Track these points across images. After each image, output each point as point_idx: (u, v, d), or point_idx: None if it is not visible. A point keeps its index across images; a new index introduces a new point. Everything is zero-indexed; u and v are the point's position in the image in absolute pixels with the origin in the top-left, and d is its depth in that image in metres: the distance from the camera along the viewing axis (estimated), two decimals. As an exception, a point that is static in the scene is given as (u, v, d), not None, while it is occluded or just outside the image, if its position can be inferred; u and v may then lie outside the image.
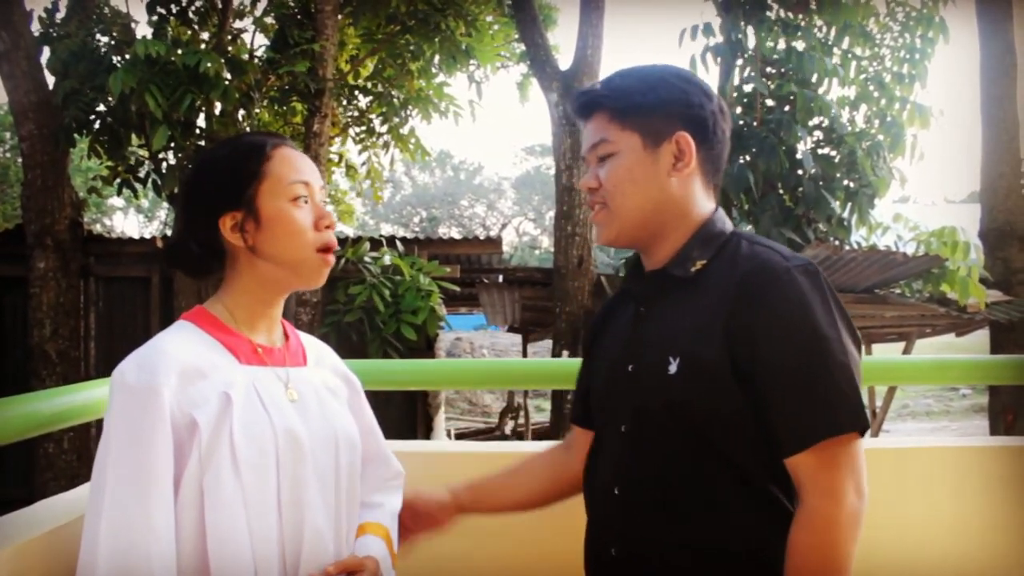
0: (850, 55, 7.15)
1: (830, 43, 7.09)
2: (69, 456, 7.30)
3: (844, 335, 1.23)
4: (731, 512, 1.26)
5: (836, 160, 7.16)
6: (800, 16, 6.91)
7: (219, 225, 1.30)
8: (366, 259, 7.18)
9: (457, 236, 23.48)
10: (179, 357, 1.21)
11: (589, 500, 1.44)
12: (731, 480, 1.26)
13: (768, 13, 6.93)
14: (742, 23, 6.85)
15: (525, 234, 39.00)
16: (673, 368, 1.27)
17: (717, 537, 1.26)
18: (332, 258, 1.34)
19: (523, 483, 1.65)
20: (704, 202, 1.38)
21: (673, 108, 1.35)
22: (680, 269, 1.34)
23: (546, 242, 35.07)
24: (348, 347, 6.88)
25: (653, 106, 1.35)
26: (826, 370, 1.20)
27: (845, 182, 7.12)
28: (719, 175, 1.42)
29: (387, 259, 7.13)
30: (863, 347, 1.31)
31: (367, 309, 6.86)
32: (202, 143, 7.37)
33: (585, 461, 1.47)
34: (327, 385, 1.40)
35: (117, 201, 23.76)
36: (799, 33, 6.83)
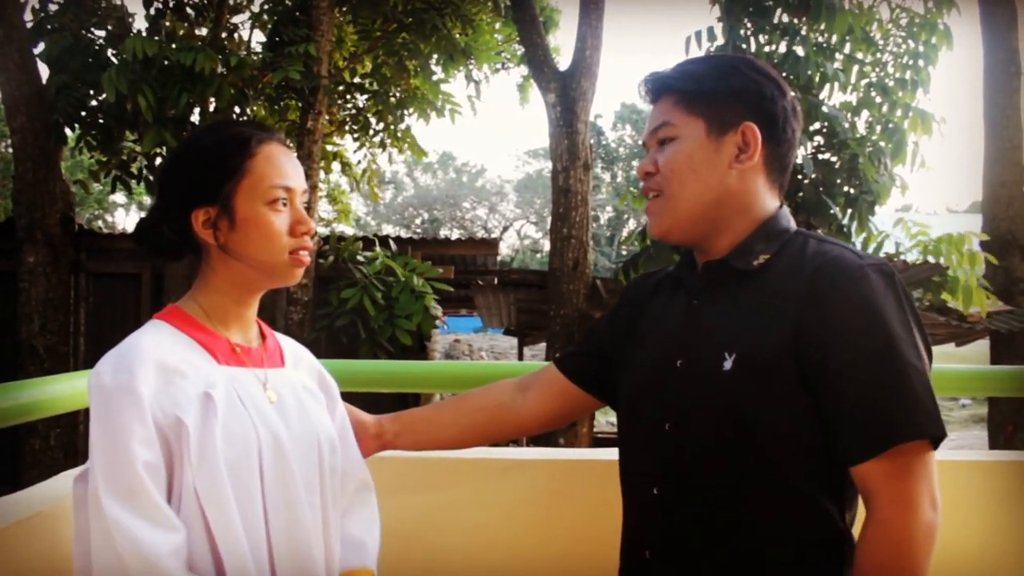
0: (853, 60, 7.07)
1: (832, 48, 7.01)
2: (56, 452, 7.23)
3: (918, 339, 1.17)
4: (775, 521, 1.19)
5: (837, 166, 7.08)
6: (801, 21, 6.83)
7: (191, 218, 1.25)
8: (358, 258, 7.10)
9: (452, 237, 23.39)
10: (156, 356, 1.17)
11: (627, 498, 1.37)
12: (777, 488, 1.19)
13: (772, 16, 6.85)
14: (744, 28, 6.77)
15: (526, 237, 39.04)
16: (728, 364, 1.20)
17: (758, 546, 1.19)
18: (307, 259, 1.30)
19: (459, 424, 1.55)
20: (768, 199, 1.31)
21: (743, 98, 1.28)
22: (741, 261, 1.27)
23: (547, 245, 35.03)
24: (339, 350, 6.80)
25: (722, 93, 1.28)
26: (902, 373, 1.12)
27: (845, 188, 7.03)
28: (785, 175, 1.34)
29: (378, 262, 7.04)
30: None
31: (359, 312, 6.77)
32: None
33: (620, 453, 1.40)
34: (305, 387, 1.37)
35: (119, 197, 23.78)
36: (798, 39, 6.75)
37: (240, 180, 1.25)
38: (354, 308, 6.74)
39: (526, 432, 1.57)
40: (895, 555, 1.11)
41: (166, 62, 6.57)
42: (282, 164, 1.29)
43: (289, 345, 1.43)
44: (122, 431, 1.12)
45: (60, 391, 1.64)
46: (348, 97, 9.62)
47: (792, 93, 1.33)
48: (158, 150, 7.36)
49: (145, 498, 1.11)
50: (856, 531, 1.22)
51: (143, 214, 1.39)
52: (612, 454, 2.04)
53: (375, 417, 1.52)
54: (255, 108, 8.00)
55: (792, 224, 1.32)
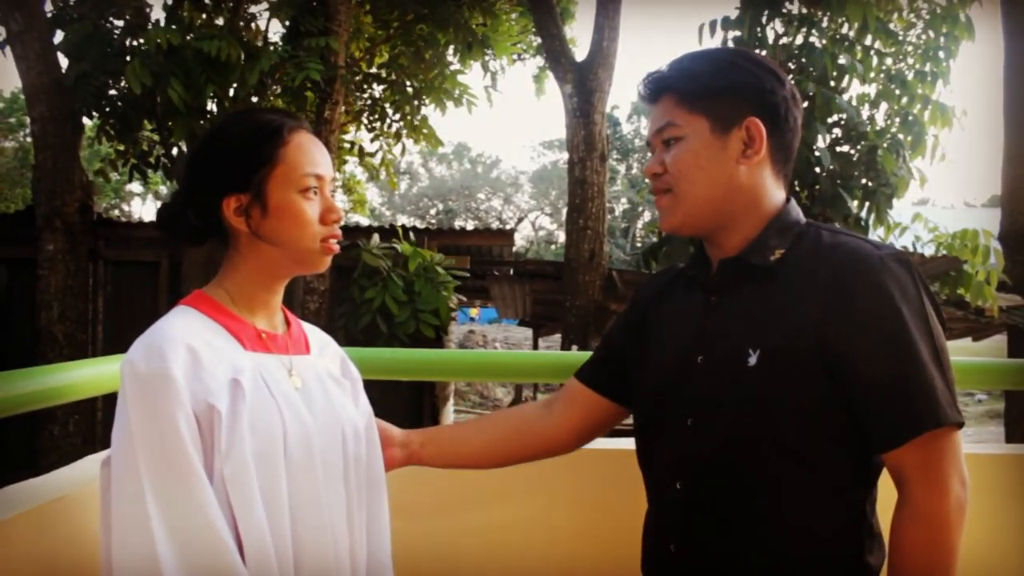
0: (872, 52, 7.01)
1: (851, 39, 6.95)
2: (74, 439, 7.29)
3: (939, 327, 1.20)
4: (800, 512, 1.21)
5: (855, 158, 7.04)
6: (819, 12, 6.78)
7: (222, 205, 1.25)
8: (375, 251, 7.13)
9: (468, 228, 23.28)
10: (186, 341, 1.16)
11: (650, 492, 1.39)
12: (802, 476, 1.21)
13: (790, 6, 6.80)
14: (762, 19, 6.73)
15: (541, 228, 38.95)
16: (752, 360, 1.21)
17: (783, 534, 1.21)
18: (336, 247, 1.31)
19: (484, 437, 1.56)
20: (775, 191, 1.33)
21: (744, 93, 1.29)
22: (758, 257, 1.28)
23: (562, 237, 34.94)
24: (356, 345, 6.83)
25: (723, 90, 1.29)
26: (926, 363, 1.16)
27: (863, 181, 6.99)
28: (790, 165, 1.35)
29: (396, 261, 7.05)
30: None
31: (381, 310, 6.80)
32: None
33: (639, 448, 1.41)
34: (331, 374, 1.36)
35: (135, 186, 23.85)
36: (815, 31, 6.70)
37: (273, 168, 1.25)
38: (377, 307, 6.77)
39: (554, 449, 1.57)
40: (928, 534, 1.15)
41: (186, 52, 6.60)
42: (313, 152, 1.29)
43: (315, 333, 1.43)
44: (168, 417, 1.11)
45: (82, 377, 1.63)
46: (365, 87, 9.62)
47: (790, 80, 1.33)
48: (173, 140, 7.41)
49: (202, 492, 1.10)
50: (876, 511, 1.25)
51: (159, 203, 1.39)
52: (630, 443, 2.05)
53: (404, 432, 1.53)
54: (273, 98, 8.02)
55: (801, 216, 1.34)
